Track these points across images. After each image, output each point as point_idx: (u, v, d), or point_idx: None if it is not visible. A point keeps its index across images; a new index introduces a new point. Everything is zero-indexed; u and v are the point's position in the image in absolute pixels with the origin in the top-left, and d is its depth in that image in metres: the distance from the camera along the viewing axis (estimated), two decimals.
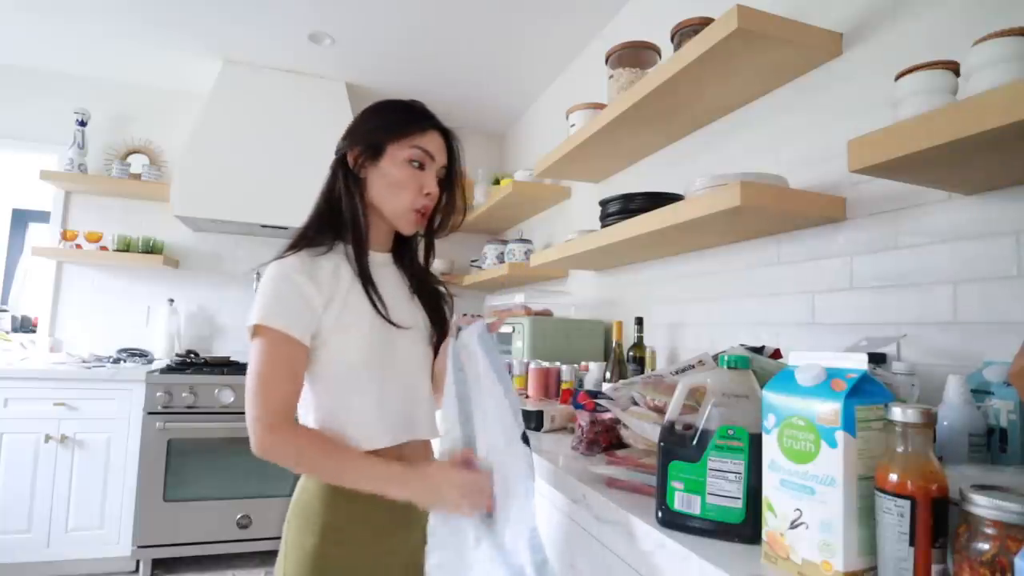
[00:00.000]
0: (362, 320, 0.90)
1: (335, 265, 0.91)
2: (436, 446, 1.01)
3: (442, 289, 1.08)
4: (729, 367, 0.74)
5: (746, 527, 0.69)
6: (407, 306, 0.99)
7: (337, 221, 0.94)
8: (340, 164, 0.95)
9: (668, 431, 0.76)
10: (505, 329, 2.11)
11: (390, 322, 0.91)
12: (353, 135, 0.95)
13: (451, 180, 1.00)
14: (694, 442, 0.72)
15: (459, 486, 0.84)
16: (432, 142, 0.94)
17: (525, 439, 0.87)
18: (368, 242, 0.95)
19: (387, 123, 0.94)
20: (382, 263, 1.00)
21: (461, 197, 1.03)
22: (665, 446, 0.75)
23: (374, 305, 0.90)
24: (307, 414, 0.91)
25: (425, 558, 0.87)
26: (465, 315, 1.04)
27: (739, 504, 0.69)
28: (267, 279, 0.87)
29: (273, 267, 0.87)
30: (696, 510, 0.71)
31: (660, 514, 0.75)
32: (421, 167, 0.93)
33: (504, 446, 0.87)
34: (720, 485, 0.70)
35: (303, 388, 0.89)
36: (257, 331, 0.84)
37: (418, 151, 0.92)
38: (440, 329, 1.04)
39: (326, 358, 0.89)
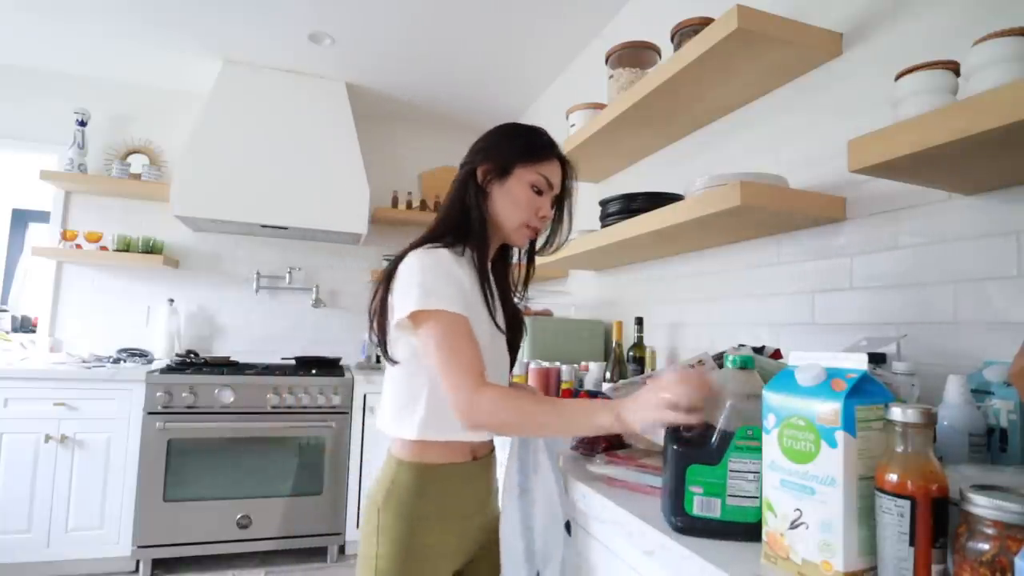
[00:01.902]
0: (480, 317, 0.96)
1: (467, 263, 1.00)
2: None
3: (520, 311, 1.13)
4: (740, 367, 0.73)
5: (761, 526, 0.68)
6: (499, 312, 1.05)
7: (464, 227, 1.02)
8: (471, 177, 1.02)
9: (675, 434, 0.75)
10: None
11: (496, 325, 0.99)
12: (484, 153, 1.03)
13: (561, 205, 1.08)
14: (714, 445, 0.71)
15: (665, 384, 0.76)
16: (554, 171, 1.03)
17: (568, 527, 0.94)
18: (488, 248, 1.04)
19: (518, 147, 1.02)
20: (489, 270, 1.06)
21: (568, 221, 1.10)
22: (681, 450, 0.73)
23: (488, 306, 0.98)
24: (421, 389, 0.95)
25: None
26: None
27: (756, 503, 0.69)
28: (421, 266, 0.92)
29: (424, 255, 0.94)
30: (716, 513, 0.70)
31: (677, 521, 0.72)
32: (540, 192, 1.02)
33: (550, 524, 0.95)
34: (740, 486, 0.70)
35: (426, 365, 0.94)
36: (427, 316, 0.89)
37: (541, 179, 1.01)
38: (516, 340, 1.10)
39: None
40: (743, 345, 1.13)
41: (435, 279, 0.91)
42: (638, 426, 0.76)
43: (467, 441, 0.99)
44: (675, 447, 0.74)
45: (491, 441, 1.07)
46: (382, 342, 0.98)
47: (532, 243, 1.11)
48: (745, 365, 0.74)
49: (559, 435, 0.89)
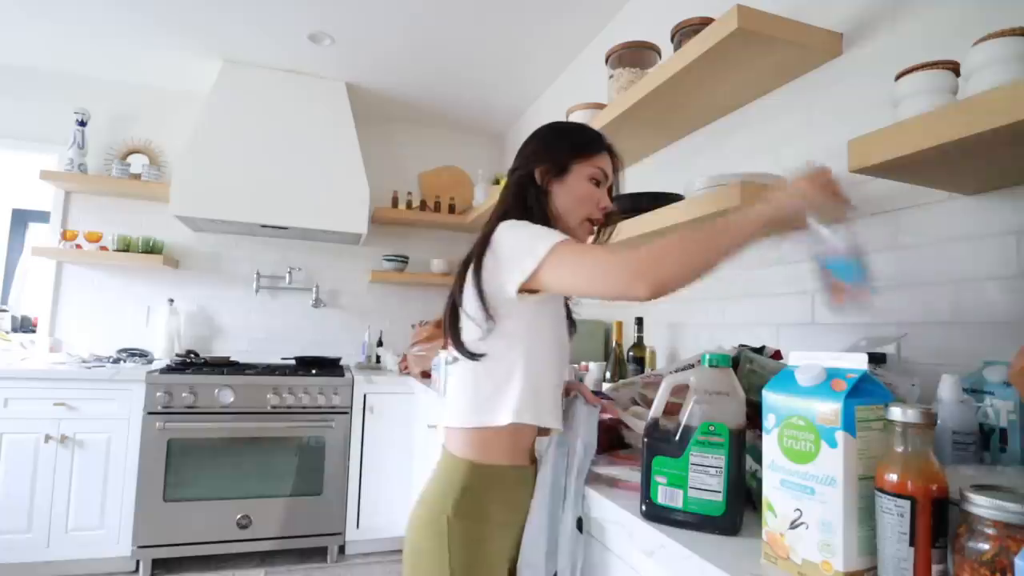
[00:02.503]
0: (558, 306, 1.01)
1: None
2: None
3: (571, 310, 1.14)
4: (711, 366, 0.76)
5: (726, 519, 0.71)
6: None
7: None
8: (528, 179, 1.03)
9: (652, 428, 0.79)
10: None
11: (569, 318, 1.04)
12: (538, 155, 1.04)
13: (611, 195, 1.10)
14: (677, 438, 0.75)
15: (809, 176, 0.85)
16: (607, 163, 1.05)
17: (580, 525, 0.93)
18: None
19: (572, 144, 1.04)
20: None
21: (619, 210, 1.13)
22: (649, 442, 0.78)
23: (565, 300, 1.03)
24: (514, 371, 0.94)
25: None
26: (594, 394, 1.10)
27: (720, 498, 0.72)
28: (517, 226, 0.93)
29: (514, 222, 0.95)
30: (679, 503, 0.74)
31: (644, 507, 0.78)
32: (598, 184, 1.03)
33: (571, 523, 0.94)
34: (702, 479, 0.73)
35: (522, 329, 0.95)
36: (549, 252, 0.85)
37: (599, 171, 1.03)
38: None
39: (537, 317, 0.96)
40: (744, 345, 1.13)
41: (539, 228, 0.91)
42: (793, 204, 0.81)
43: (531, 434, 1.00)
44: (645, 439, 0.79)
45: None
46: (456, 340, 0.97)
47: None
48: (718, 364, 0.76)
49: (732, 248, 0.80)
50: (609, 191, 1.09)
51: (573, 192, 1.02)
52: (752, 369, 0.91)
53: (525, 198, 1.03)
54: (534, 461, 1.03)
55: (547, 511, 0.94)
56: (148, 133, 3.12)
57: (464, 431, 0.96)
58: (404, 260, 3.30)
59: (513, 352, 0.94)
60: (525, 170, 1.04)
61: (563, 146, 1.04)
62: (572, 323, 1.11)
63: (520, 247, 0.89)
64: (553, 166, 1.02)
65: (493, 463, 0.94)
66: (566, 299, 1.11)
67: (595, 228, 1.08)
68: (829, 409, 0.58)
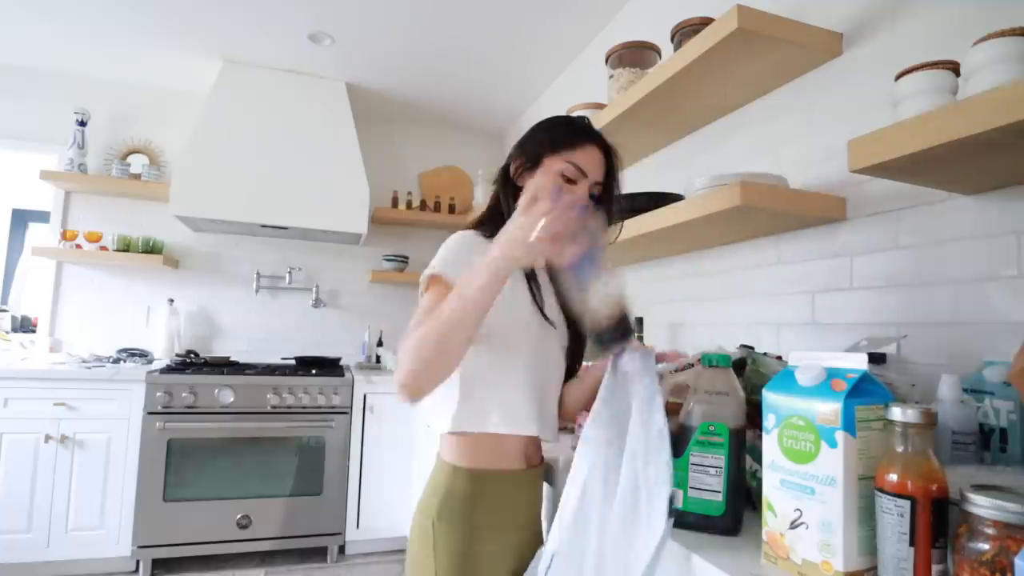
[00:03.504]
0: (520, 306, 0.95)
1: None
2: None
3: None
4: (711, 366, 0.76)
5: (727, 519, 0.71)
6: (554, 308, 1.02)
7: (500, 221, 0.99)
8: (504, 173, 1.02)
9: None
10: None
11: (544, 316, 0.95)
12: (519, 148, 1.02)
13: (608, 196, 1.02)
14: (677, 438, 0.74)
15: (520, 223, 0.78)
16: (587, 158, 0.97)
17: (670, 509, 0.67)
18: None
19: (547, 138, 0.99)
20: (538, 266, 1.02)
21: (619, 209, 1.04)
22: None
23: (533, 297, 0.95)
24: (455, 377, 0.92)
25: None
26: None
27: (719, 497, 0.71)
28: (452, 243, 0.94)
29: (454, 236, 0.96)
30: (678, 503, 0.73)
31: None
32: (573, 181, 0.96)
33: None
34: (701, 479, 0.73)
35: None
36: (430, 281, 0.91)
37: (571, 166, 0.95)
38: (579, 340, 1.05)
39: (484, 330, 0.89)
40: (745, 345, 1.13)
41: (449, 255, 0.92)
42: (511, 253, 0.75)
43: (527, 438, 0.96)
44: None
45: (541, 449, 1.04)
46: None
47: None
48: (718, 363, 0.76)
49: (470, 315, 0.76)
50: (606, 195, 1.01)
51: None
52: (756, 369, 0.90)
53: (502, 192, 1.02)
54: (542, 461, 1.02)
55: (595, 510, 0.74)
56: (148, 133, 3.12)
57: (443, 435, 0.96)
58: (404, 260, 3.30)
59: None
60: (504, 163, 1.03)
61: (539, 139, 1.00)
62: (578, 331, 1.04)
63: (434, 260, 0.92)
64: (527, 160, 0.99)
65: (478, 467, 0.92)
66: (558, 289, 1.04)
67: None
68: (829, 409, 0.58)
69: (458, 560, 0.89)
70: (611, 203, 1.02)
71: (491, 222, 1.00)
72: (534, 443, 1.00)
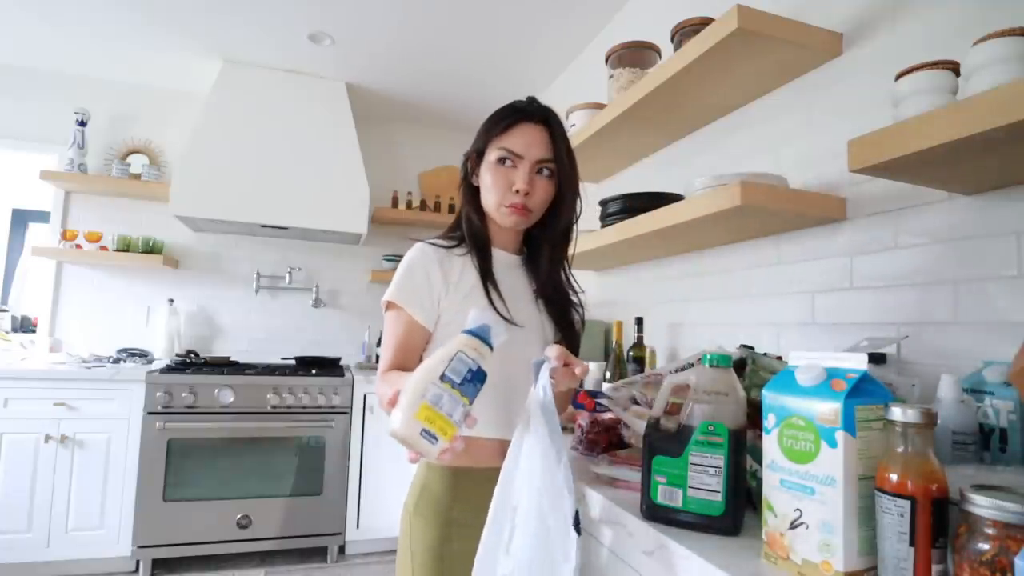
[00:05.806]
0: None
1: (464, 262, 0.98)
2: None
3: (574, 298, 1.07)
4: (711, 366, 0.76)
5: (726, 519, 0.71)
6: (527, 307, 1.00)
7: (461, 225, 1.02)
8: (463, 176, 1.01)
9: (653, 427, 0.79)
10: None
11: (504, 318, 0.92)
12: (473, 144, 1.00)
13: (561, 172, 0.96)
14: (676, 438, 0.75)
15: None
16: (519, 138, 0.93)
17: (576, 525, 0.71)
18: (490, 243, 1.01)
19: (484, 127, 0.97)
20: (510, 264, 1.03)
21: (571, 188, 0.98)
22: (649, 441, 0.78)
23: (491, 301, 0.94)
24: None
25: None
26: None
27: (719, 497, 0.71)
28: (404, 261, 0.97)
29: (412, 250, 0.97)
30: (678, 503, 0.74)
31: (644, 507, 0.77)
32: (514, 165, 0.94)
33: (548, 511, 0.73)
34: (701, 479, 0.73)
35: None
36: (387, 306, 0.96)
37: (502, 151, 0.93)
38: (565, 335, 1.03)
39: (442, 336, 0.95)
40: (745, 345, 1.13)
41: (405, 276, 0.95)
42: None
43: (498, 440, 0.93)
44: (645, 438, 0.79)
45: None
46: None
47: (543, 225, 1.00)
48: (718, 363, 0.76)
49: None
50: (560, 171, 0.95)
51: (483, 181, 0.96)
52: (756, 369, 0.90)
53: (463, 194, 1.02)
54: None
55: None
56: (148, 133, 3.12)
57: None
58: None
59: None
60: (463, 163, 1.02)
61: (481, 130, 0.96)
62: (567, 322, 1.01)
63: (392, 281, 0.97)
64: (475, 155, 0.97)
65: (453, 464, 0.92)
66: (564, 291, 1.03)
67: (528, 211, 0.94)
68: (829, 409, 0.58)
69: (433, 555, 0.90)
70: (565, 173, 0.97)
71: (459, 229, 1.01)
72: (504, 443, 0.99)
